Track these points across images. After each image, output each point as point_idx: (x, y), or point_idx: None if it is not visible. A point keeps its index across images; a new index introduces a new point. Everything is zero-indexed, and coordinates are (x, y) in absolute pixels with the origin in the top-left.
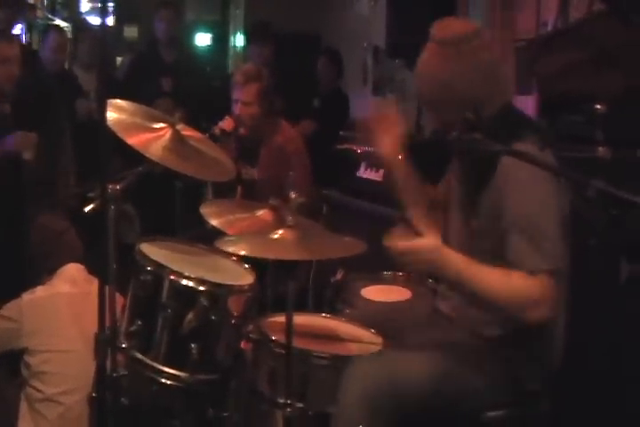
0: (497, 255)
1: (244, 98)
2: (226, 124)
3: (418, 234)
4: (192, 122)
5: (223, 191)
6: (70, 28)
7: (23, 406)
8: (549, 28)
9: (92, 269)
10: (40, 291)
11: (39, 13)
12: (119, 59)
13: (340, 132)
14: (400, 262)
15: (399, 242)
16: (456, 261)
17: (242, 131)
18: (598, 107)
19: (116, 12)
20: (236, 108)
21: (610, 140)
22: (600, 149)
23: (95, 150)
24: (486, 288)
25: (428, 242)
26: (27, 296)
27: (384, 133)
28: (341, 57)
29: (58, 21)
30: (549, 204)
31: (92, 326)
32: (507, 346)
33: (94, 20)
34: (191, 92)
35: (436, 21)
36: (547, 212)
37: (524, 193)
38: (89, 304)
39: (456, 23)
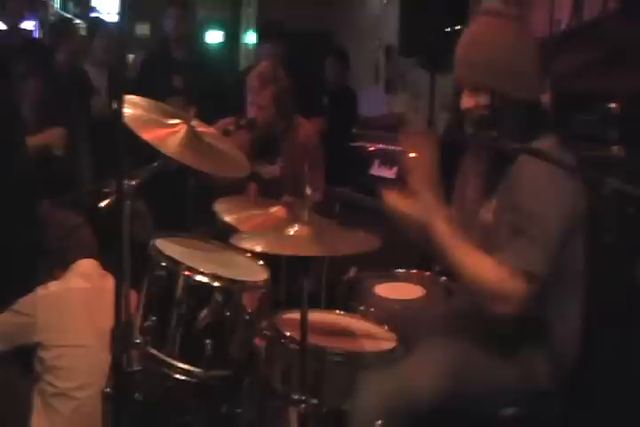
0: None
1: (260, 101)
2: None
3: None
4: (204, 119)
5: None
6: (84, 25)
7: (37, 401)
8: (563, 26)
9: (107, 264)
10: (54, 286)
11: (51, 10)
12: (131, 56)
13: (353, 130)
14: (393, 217)
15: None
16: (444, 228)
17: (256, 132)
18: (612, 106)
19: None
20: (252, 111)
21: (624, 138)
22: (614, 147)
23: (111, 147)
24: (463, 265)
25: (421, 209)
26: (41, 291)
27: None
28: (348, 55)
29: (71, 18)
30: (558, 206)
31: (105, 321)
32: (519, 345)
33: (107, 18)
34: (203, 89)
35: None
36: (553, 213)
37: (534, 191)
38: (103, 300)
39: (502, 5)
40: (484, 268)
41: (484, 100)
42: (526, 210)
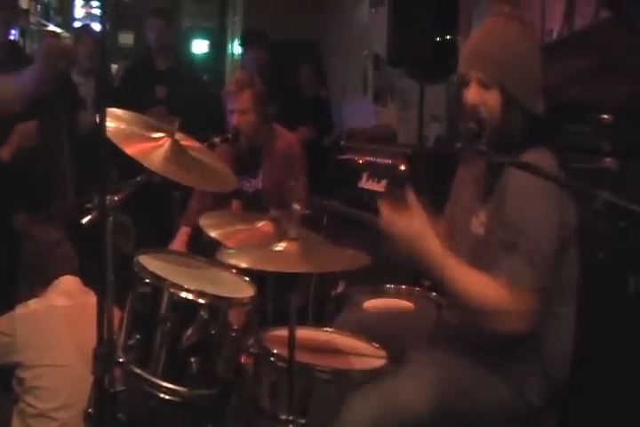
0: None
1: (239, 106)
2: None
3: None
4: (189, 131)
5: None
6: (70, 34)
7: (16, 423)
8: (554, 35)
9: (89, 281)
10: (34, 304)
11: (32, 19)
12: (114, 66)
13: (341, 142)
14: (384, 231)
15: (390, 212)
16: (437, 249)
17: (241, 142)
18: (604, 116)
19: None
20: (233, 119)
21: (616, 150)
22: (606, 159)
23: (93, 161)
24: (461, 287)
25: (414, 226)
26: (20, 310)
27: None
28: (323, 65)
29: (52, 27)
30: (550, 219)
31: (87, 339)
32: (507, 359)
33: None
34: (187, 100)
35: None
36: (544, 227)
37: (524, 206)
38: (85, 317)
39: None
40: (483, 287)
41: (491, 97)
42: (516, 225)
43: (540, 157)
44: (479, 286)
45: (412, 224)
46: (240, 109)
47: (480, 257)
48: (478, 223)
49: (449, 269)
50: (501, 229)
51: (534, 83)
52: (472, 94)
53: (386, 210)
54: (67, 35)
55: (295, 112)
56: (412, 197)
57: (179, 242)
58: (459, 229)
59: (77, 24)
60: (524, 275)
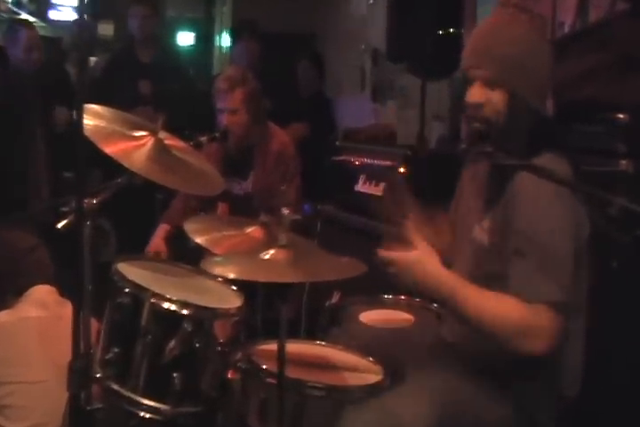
0: (504, 281)
1: (230, 105)
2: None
3: (408, 245)
4: (174, 129)
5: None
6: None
7: None
8: (566, 29)
9: (65, 290)
10: (5, 315)
11: (3, 7)
12: (93, 59)
13: (337, 143)
14: (388, 273)
15: (386, 252)
16: (444, 277)
17: (231, 142)
18: (620, 116)
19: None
20: (223, 119)
21: (632, 152)
22: (622, 162)
23: (71, 160)
24: (476, 311)
25: (412, 253)
26: None
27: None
28: (323, 60)
29: (24, 16)
30: (564, 227)
31: (62, 353)
32: (512, 378)
33: (68, 16)
34: (172, 96)
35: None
36: (560, 236)
37: (537, 213)
38: (60, 330)
39: None
40: (499, 306)
41: (496, 97)
42: (528, 233)
43: (551, 160)
44: (498, 306)
45: (414, 261)
46: (231, 109)
47: (482, 267)
48: (482, 231)
49: (462, 296)
50: (512, 237)
51: (543, 81)
52: (476, 93)
53: (384, 251)
54: (42, 24)
55: (292, 112)
56: (410, 227)
57: (157, 239)
58: (460, 236)
59: (52, 13)
60: (541, 288)
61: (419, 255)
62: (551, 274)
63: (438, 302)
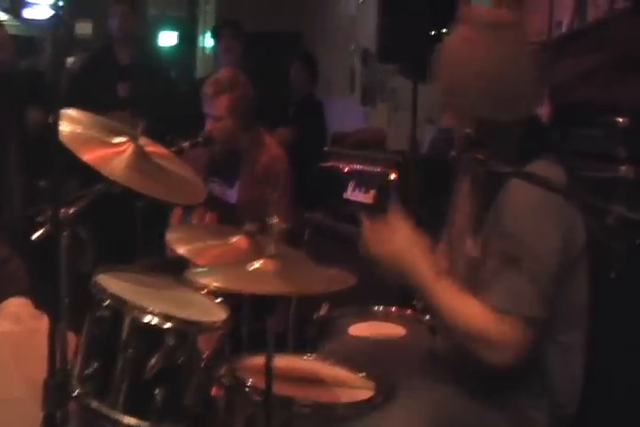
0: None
1: (214, 112)
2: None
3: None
4: (154, 135)
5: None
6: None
7: None
8: (564, 28)
9: (40, 303)
10: None
11: None
12: (70, 59)
13: (325, 148)
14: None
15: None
16: (423, 267)
17: (216, 147)
18: (619, 119)
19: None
20: (207, 124)
21: (633, 157)
22: (622, 167)
23: (47, 168)
24: (447, 309)
25: (395, 238)
26: None
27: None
28: (316, 61)
29: None
30: (554, 237)
31: (37, 369)
32: (505, 392)
33: (44, 14)
34: (153, 99)
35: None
36: (547, 246)
37: (523, 224)
38: (35, 344)
39: (492, 9)
40: (469, 310)
41: (464, 124)
42: (516, 241)
43: (545, 166)
44: (466, 309)
45: (394, 241)
46: (214, 116)
47: (474, 281)
48: (474, 245)
49: (436, 289)
50: (496, 241)
51: (518, 96)
52: (444, 121)
53: (366, 228)
54: (15, 23)
55: (280, 116)
56: (394, 209)
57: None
58: (454, 249)
59: (27, 11)
60: (520, 298)
61: (403, 246)
62: (532, 284)
63: (416, 293)
